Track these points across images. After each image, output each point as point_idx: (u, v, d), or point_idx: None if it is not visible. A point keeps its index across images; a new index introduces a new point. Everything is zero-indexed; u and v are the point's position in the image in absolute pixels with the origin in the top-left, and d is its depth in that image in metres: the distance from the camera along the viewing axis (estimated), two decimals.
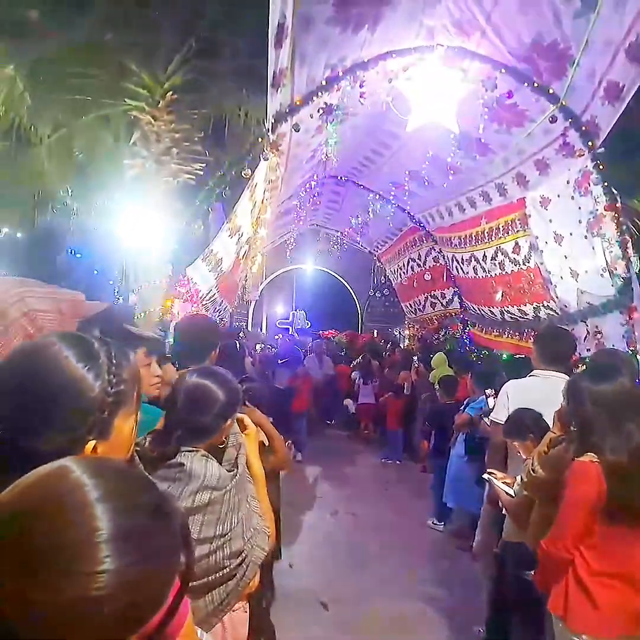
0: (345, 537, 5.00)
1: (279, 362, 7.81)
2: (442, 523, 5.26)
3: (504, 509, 2.73)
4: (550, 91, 4.32)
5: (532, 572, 2.17)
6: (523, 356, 5.38)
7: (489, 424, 3.37)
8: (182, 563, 0.70)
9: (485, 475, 2.86)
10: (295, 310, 13.98)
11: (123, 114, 5.38)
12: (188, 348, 2.53)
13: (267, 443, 2.52)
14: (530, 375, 2.98)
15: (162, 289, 4.25)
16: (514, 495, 2.63)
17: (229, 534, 1.60)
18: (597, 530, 1.91)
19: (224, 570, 1.59)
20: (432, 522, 5.33)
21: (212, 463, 1.65)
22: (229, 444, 1.80)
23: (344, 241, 10.75)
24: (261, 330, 13.07)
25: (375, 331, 12.77)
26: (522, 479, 2.59)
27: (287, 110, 4.06)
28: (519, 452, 2.73)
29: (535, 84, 4.32)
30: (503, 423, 2.81)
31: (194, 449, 1.66)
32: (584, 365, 4.74)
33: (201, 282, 4.45)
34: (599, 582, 1.92)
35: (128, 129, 5.41)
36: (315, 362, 9.36)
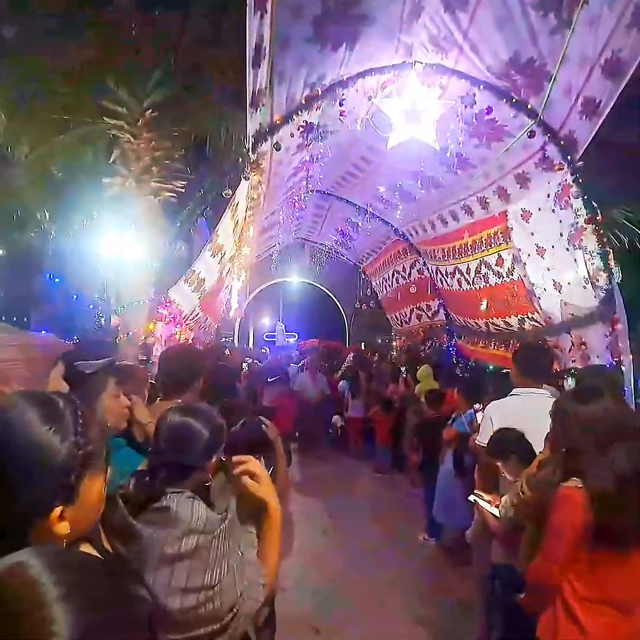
0: (336, 557, 4.93)
1: (268, 380, 7.39)
2: (434, 538, 5.21)
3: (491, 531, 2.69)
4: (528, 106, 4.37)
5: (522, 595, 2.13)
6: (509, 370, 5.37)
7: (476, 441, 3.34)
8: None
9: (472, 497, 2.83)
10: (280, 323, 13.92)
11: (102, 132, 5.33)
12: (172, 378, 2.48)
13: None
14: (511, 394, 2.95)
15: (144, 311, 4.18)
16: (499, 515, 2.60)
17: (219, 585, 1.52)
18: (584, 556, 1.88)
19: (215, 625, 1.50)
20: (424, 537, 5.28)
21: (199, 505, 1.58)
22: (217, 483, 1.73)
23: (329, 254, 10.75)
24: (248, 344, 12.96)
25: (363, 343, 12.75)
26: (508, 500, 2.56)
27: (267, 130, 4.05)
28: (503, 473, 2.70)
29: (514, 100, 4.36)
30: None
31: (180, 490, 1.60)
32: (570, 376, 4.76)
33: (184, 303, 4.39)
34: (587, 608, 1.90)
35: (107, 147, 5.35)
36: (309, 380, 8.82)
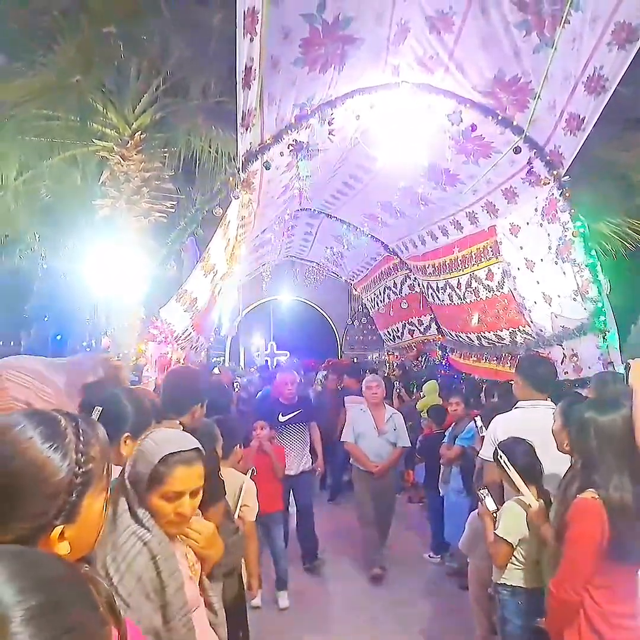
0: (335, 577, 4.85)
1: (281, 417, 4.85)
2: (439, 556, 5.13)
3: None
4: (514, 123, 4.44)
5: (542, 620, 2.06)
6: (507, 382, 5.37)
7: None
8: (110, 632, 0.66)
9: (482, 492, 2.70)
10: (271, 342, 13.88)
11: (91, 155, 5.34)
12: (168, 399, 2.49)
13: None
14: (516, 408, 2.94)
15: (135, 331, 4.14)
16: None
17: None
18: (605, 568, 1.83)
19: None
20: (429, 555, 5.21)
21: None
22: None
23: (320, 272, 10.79)
24: (239, 364, 12.89)
25: (355, 358, 12.74)
26: (500, 514, 2.52)
27: (257, 149, 4.08)
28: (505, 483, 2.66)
29: (499, 117, 4.44)
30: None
31: None
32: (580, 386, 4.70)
33: (176, 322, 4.36)
34: (610, 622, 1.84)
35: (97, 169, 5.36)
36: (372, 424, 4.94)
